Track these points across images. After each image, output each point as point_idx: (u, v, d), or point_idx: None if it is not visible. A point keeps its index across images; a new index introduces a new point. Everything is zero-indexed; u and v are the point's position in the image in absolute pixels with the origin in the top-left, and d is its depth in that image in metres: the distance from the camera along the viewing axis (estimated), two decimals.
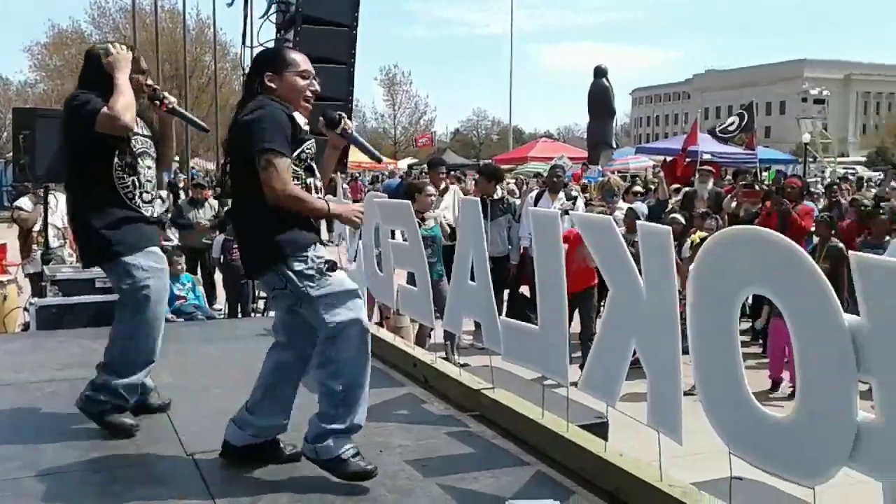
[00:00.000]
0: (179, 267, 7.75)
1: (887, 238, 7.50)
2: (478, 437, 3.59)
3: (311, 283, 2.81)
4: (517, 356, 3.61)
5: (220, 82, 19.39)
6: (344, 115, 3.17)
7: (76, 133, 3.36)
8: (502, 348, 3.67)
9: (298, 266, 2.80)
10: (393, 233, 4.85)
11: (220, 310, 9.00)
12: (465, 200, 4.48)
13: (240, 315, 8.50)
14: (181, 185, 17.85)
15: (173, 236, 9.84)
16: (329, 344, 2.83)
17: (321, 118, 3.14)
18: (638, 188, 10.31)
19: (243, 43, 6.51)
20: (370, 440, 3.30)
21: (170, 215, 9.77)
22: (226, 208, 9.07)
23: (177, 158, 31.08)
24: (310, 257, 2.83)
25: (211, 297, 9.34)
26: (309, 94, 2.99)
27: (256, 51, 6.50)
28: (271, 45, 6.37)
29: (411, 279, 4.98)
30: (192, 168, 27.50)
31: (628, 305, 2.74)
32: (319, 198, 2.93)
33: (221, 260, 8.80)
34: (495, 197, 8.18)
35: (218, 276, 9.52)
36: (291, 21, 6.15)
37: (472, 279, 3.89)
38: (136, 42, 20.83)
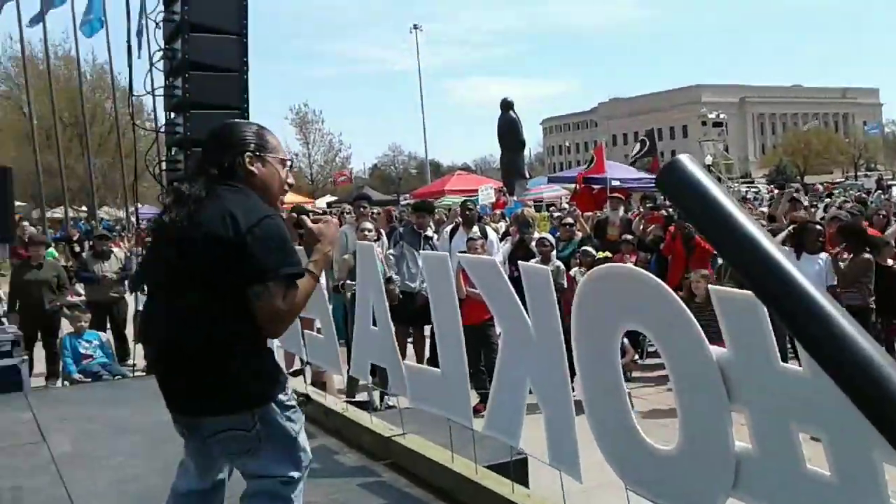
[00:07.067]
0: (83, 323, 7.47)
1: None
2: (390, 487, 3.52)
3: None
4: (423, 401, 3.58)
5: (122, 129, 18.56)
6: None
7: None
8: (408, 393, 3.63)
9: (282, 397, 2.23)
10: None
11: (134, 365, 8.61)
12: (360, 245, 4.25)
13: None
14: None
15: (81, 291, 9.37)
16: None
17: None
18: (569, 220, 10.29)
19: (130, 92, 6.35)
20: None
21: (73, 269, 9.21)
22: (137, 259, 8.70)
23: (84, 208, 29.39)
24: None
25: (124, 352, 8.93)
26: (286, 188, 2.39)
27: (146, 99, 6.38)
28: (160, 92, 6.22)
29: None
30: (102, 219, 26.46)
31: (520, 346, 2.75)
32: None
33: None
34: (428, 232, 8.15)
35: (130, 330, 9.11)
36: (179, 68, 6.01)
37: (374, 324, 3.86)
38: (28, 91, 19.82)
